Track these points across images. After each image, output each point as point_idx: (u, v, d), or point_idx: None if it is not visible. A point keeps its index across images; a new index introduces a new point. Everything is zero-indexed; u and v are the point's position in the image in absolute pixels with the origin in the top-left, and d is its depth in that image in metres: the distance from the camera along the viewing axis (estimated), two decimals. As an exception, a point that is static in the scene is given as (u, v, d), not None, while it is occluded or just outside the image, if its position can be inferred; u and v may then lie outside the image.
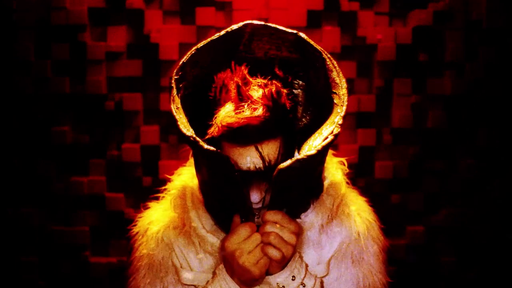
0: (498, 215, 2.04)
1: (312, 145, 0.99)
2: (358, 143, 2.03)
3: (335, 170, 1.21)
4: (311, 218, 1.13)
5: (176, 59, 1.97)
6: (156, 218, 1.21)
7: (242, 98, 1.02)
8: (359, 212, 1.19)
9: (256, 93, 1.03)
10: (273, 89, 1.03)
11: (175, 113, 1.00)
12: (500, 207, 2.04)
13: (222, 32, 1.08)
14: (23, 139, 1.99)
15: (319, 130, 1.04)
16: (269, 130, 1.02)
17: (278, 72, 1.10)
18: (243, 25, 1.08)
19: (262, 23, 1.08)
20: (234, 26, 1.08)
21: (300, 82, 1.14)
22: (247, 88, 1.03)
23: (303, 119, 1.15)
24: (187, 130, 0.98)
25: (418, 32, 1.99)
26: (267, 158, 1.02)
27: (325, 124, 1.04)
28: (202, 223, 1.14)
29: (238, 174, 0.97)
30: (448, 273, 2.05)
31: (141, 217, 1.25)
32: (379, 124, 2.03)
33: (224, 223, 1.10)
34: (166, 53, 1.97)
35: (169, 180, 1.26)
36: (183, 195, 1.19)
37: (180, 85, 1.05)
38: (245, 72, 1.05)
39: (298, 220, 1.12)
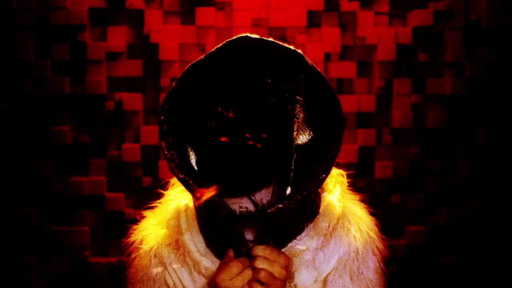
0: (498, 215, 2.04)
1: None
2: (358, 143, 2.03)
3: (333, 186, 1.19)
4: (305, 241, 1.13)
5: (176, 59, 1.97)
6: (149, 234, 1.21)
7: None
8: (359, 226, 1.18)
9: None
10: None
11: (166, 151, 0.99)
12: (500, 207, 2.04)
13: (218, 46, 1.07)
14: (23, 139, 1.99)
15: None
16: (261, 181, 1.02)
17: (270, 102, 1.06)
18: (239, 38, 1.07)
19: (258, 37, 1.07)
20: (230, 40, 1.07)
21: (298, 98, 1.11)
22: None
23: (301, 136, 1.12)
24: (179, 171, 0.98)
25: (418, 32, 1.99)
26: (260, 203, 1.02)
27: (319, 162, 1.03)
28: (196, 245, 1.14)
29: (234, 221, 0.98)
30: (448, 273, 2.05)
31: (135, 230, 1.25)
32: (379, 124, 2.03)
33: (215, 247, 1.11)
34: (166, 53, 1.97)
35: (163, 194, 1.24)
36: (177, 214, 1.18)
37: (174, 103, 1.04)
38: (232, 115, 1.03)
39: (294, 241, 1.12)
